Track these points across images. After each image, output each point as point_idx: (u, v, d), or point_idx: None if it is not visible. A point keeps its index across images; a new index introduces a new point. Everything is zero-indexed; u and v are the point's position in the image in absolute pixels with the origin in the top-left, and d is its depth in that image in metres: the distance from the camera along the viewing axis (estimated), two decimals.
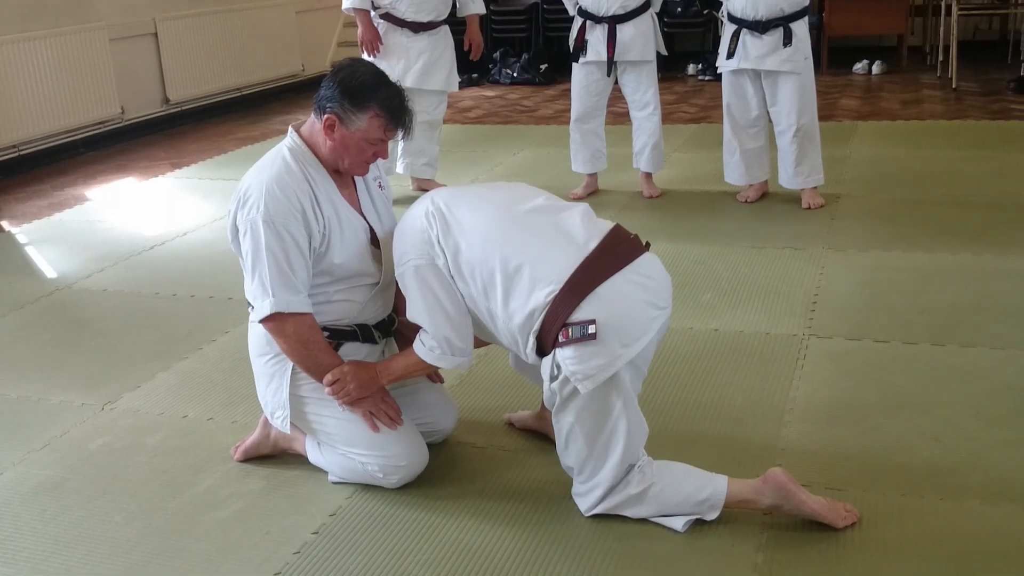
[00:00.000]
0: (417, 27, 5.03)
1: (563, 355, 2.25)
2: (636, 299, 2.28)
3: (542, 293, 2.26)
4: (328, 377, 2.50)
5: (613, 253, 2.31)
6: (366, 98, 2.43)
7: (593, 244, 2.31)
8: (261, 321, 2.48)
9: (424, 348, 2.40)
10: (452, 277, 2.36)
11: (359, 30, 5.04)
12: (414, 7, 5.00)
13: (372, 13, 5.03)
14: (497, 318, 2.34)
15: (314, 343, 2.49)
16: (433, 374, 2.69)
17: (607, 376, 2.24)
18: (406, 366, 2.50)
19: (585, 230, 2.35)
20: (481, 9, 5.34)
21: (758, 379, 3.10)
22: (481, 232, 2.35)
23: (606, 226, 2.39)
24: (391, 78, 2.55)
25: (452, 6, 5.21)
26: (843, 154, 5.73)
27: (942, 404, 2.88)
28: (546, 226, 2.36)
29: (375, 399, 2.54)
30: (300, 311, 2.45)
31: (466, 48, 5.35)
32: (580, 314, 2.23)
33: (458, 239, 2.35)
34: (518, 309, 2.29)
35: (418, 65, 5.03)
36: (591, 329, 2.21)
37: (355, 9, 5.01)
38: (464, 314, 2.38)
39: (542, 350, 2.31)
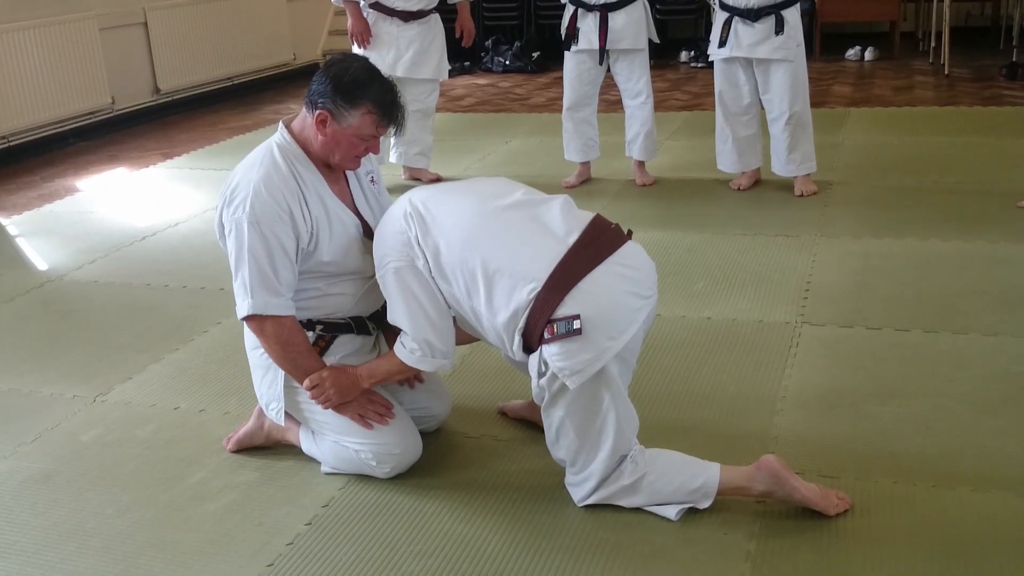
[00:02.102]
0: (407, 16, 5.00)
1: (549, 352, 2.24)
2: (620, 291, 2.27)
3: (524, 291, 2.25)
4: (307, 382, 2.50)
5: (594, 245, 2.30)
6: (359, 94, 2.42)
7: (573, 237, 2.30)
8: (242, 320, 2.49)
9: (404, 350, 2.40)
10: (433, 278, 2.36)
11: (348, 21, 5.02)
12: None
13: (361, 3, 5.02)
14: (482, 316, 2.33)
15: (293, 345, 2.49)
16: (414, 378, 2.68)
17: (595, 370, 2.23)
18: (388, 369, 2.50)
19: (565, 223, 2.33)
20: None
21: (751, 367, 3.10)
22: (460, 231, 2.33)
23: (586, 217, 2.38)
24: (381, 68, 2.54)
25: None
26: (835, 141, 5.73)
27: (934, 391, 2.89)
28: (525, 221, 2.35)
29: (360, 401, 2.54)
30: (279, 313, 2.45)
31: (458, 35, 5.32)
32: (564, 309, 2.22)
33: (437, 239, 2.34)
34: (501, 307, 2.28)
35: (408, 54, 5.00)
36: (576, 324, 2.20)
37: (344, 0, 4.99)
38: (445, 316, 2.38)
39: (528, 347, 2.30)
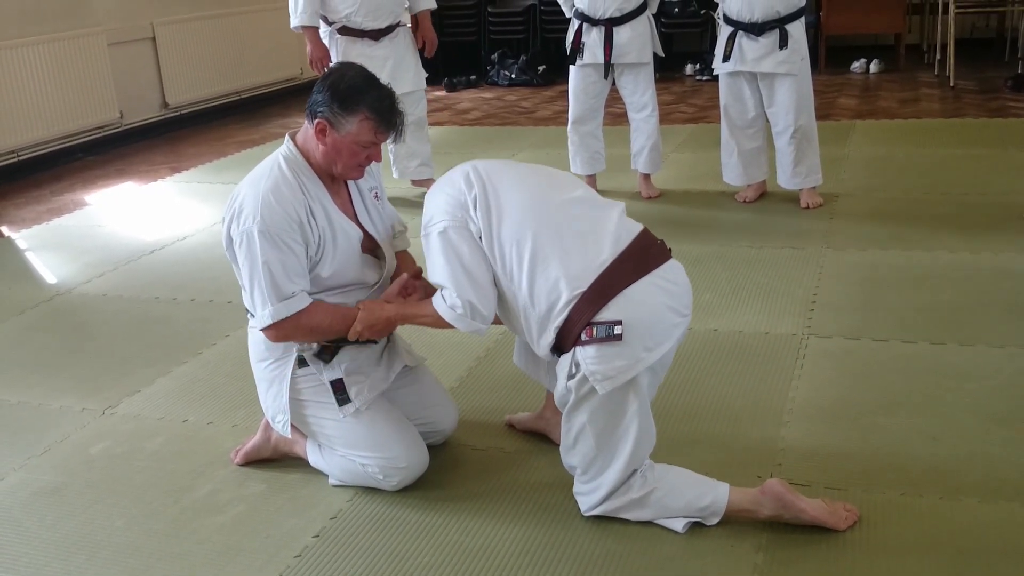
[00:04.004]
0: (377, 34, 4.95)
1: (584, 353, 2.24)
2: (661, 304, 2.28)
3: (568, 288, 2.24)
4: (349, 338, 2.50)
5: (642, 256, 2.30)
6: (355, 101, 2.43)
7: (623, 245, 2.30)
8: (263, 330, 2.48)
9: (444, 305, 2.32)
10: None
11: (307, 48, 4.95)
12: (371, 15, 4.91)
13: (327, 29, 4.95)
14: (517, 300, 2.31)
15: (319, 326, 2.48)
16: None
17: (627, 378, 2.24)
18: (422, 320, 2.44)
19: (617, 230, 2.33)
20: (432, 4, 5.24)
21: (757, 379, 3.11)
22: (520, 211, 2.31)
23: (636, 228, 2.38)
24: None
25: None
26: (841, 153, 5.74)
27: (941, 403, 2.89)
28: (582, 219, 2.34)
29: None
30: (299, 309, 2.45)
31: (420, 46, 5.22)
32: (606, 314, 2.22)
33: (494, 214, 2.31)
34: (541, 298, 2.27)
35: (385, 72, 4.85)
36: (617, 330, 2.20)
37: (303, 27, 4.90)
38: (490, 282, 2.32)
39: (560, 347, 2.31)
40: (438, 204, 2.38)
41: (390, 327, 2.52)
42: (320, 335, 2.51)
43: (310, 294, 2.51)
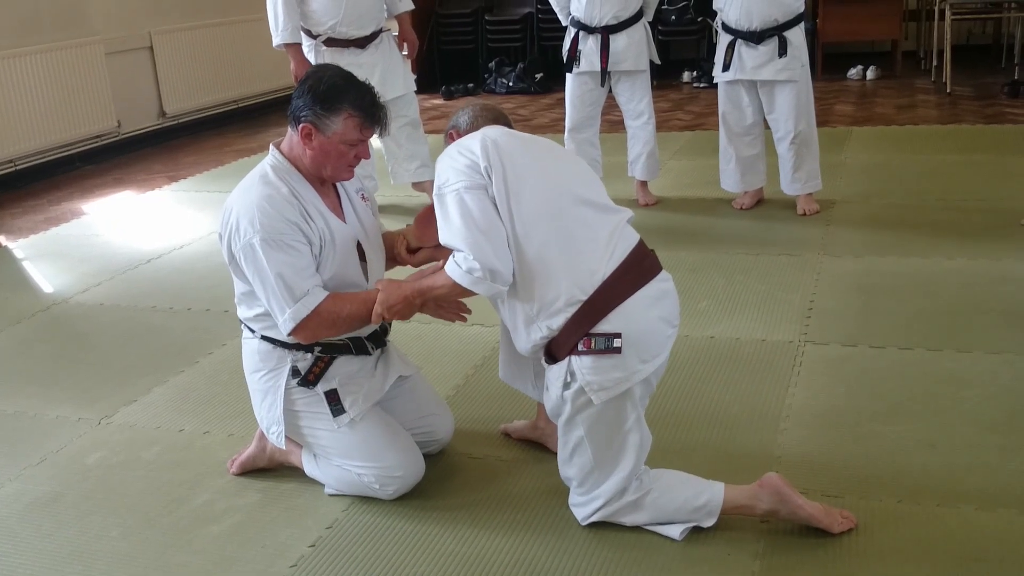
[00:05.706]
0: (363, 42, 4.93)
1: (580, 364, 2.24)
2: (655, 316, 2.29)
3: (567, 294, 2.23)
4: (372, 321, 2.47)
5: (639, 268, 2.30)
6: (337, 100, 2.42)
7: (623, 256, 2.29)
8: (290, 334, 2.46)
9: (460, 271, 2.24)
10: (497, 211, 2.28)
11: (291, 65, 4.93)
12: (356, 24, 4.89)
13: (310, 42, 4.92)
14: (513, 285, 2.29)
15: (341, 313, 2.45)
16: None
17: (622, 390, 2.24)
18: (441, 293, 2.38)
19: (620, 239, 2.32)
20: (410, 5, 5.23)
21: (754, 386, 3.10)
22: (534, 202, 2.28)
23: (633, 239, 2.37)
24: None
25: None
26: (838, 160, 5.74)
27: (938, 409, 2.89)
28: (591, 224, 2.31)
29: (432, 308, 2.47)
30: (316, 304, 2.43)
31: (401, 49, 5.21)
32: (605, 326, 2.22)
33: (513, 197, 2.27)
34: (537, 293, 2.25)
35: (376, 79, 4.80)
36: (616, 343, 2.21)
37: (286, 45, 4.87)
38: (507, 243, 2.27)
39: (552, 355, 2.30)
40: (454, 167, 2.33)
41: (409, 306, 2.42)
42: (346, 324, 2.48)
43: None
